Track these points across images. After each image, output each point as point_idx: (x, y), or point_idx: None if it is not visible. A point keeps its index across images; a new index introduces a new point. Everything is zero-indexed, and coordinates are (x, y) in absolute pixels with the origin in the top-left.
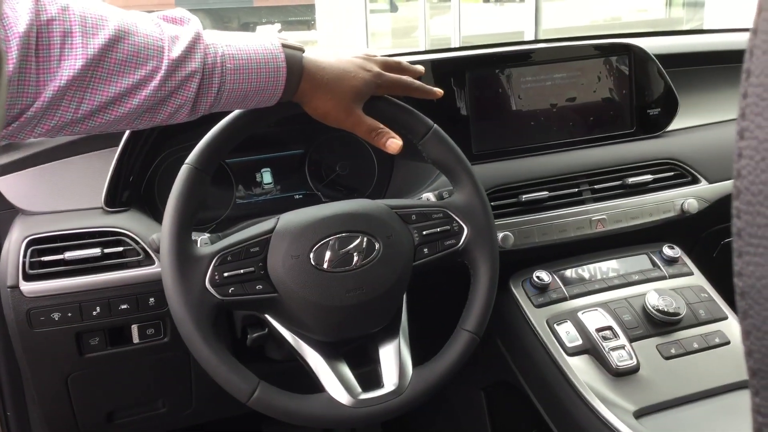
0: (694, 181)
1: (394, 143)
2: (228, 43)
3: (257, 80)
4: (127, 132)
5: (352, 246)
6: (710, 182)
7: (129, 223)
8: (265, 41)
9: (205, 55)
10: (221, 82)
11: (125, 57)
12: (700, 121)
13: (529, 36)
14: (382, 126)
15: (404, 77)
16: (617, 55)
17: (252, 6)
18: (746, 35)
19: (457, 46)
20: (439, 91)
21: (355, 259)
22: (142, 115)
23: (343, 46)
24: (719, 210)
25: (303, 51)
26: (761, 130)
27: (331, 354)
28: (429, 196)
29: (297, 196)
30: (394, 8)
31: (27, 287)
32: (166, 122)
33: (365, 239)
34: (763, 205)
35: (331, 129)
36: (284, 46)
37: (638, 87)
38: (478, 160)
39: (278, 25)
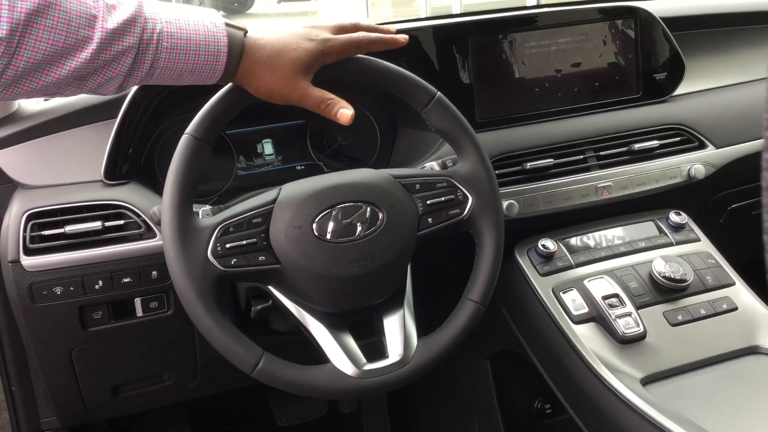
0: (701, 146)
1: (344, 113)
2: (168, 19)
3: (195, 61)
4: (125, 103)
5: (355, 216)
6: (717, 147)
7: (130, 195)
8: (207, 20)
9: (143, 30)
10: (154, 60)
11: (55, 24)
12: (707, 86)
13: (532, 2)
14: (331, 96)
15: (355, 35)
16: (622, 18)
17: None
18: None
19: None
20: (402, 37)
21: (359, 229)
22: (71, 83)
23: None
24: (726, 175)
25: (246, 31)
26: None
27: (335, 325)
28: (433, 165)
29: (299, 167)
30: None
31: (28, 261)
32: (95, 92)
33: (369, 209)
34: None
35: None
36: (227, 25)
37: (644, 51)
38: (482, 128)
39: None
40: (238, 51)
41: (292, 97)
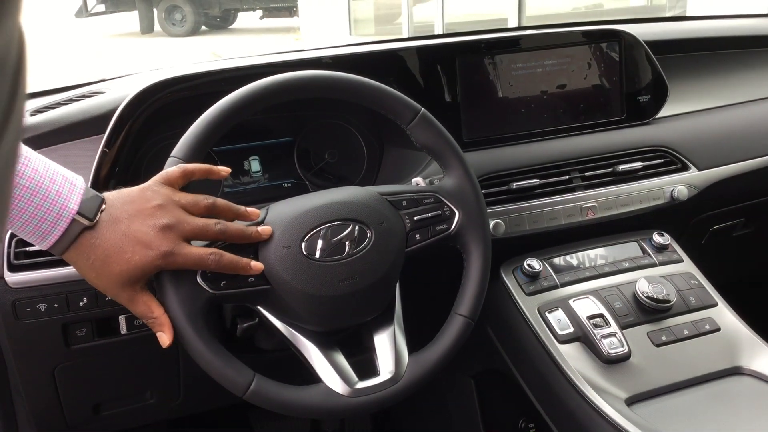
0: (684, 168)
1: (161, 337)
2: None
3: (20, 225)
4: (113, 120)
5: (343, 234)
6: (700, 169)
7: None
8: (64, 201)
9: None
10: None
11: None
12: (690, 108)
13: (513, 22)
14: (155, 315)
15: (204, 251)
16: (607, 41)
17: None
18: (733, 22)
19: (441, 32)
20: (265, 229)
21: (347, 247)
22: None
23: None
24: (708, 197)
25: (88, 225)
26: None
27: (325, 343)
28: (419, 181)
29: (286, 185)
30: None
31: (12, 278)
32: None
33: (357, 227)
34: None
35: (319, 117)
36: (80, 212)
37: (628, 74)
38: (468, 148)
39: (260, 12)
40: (69, 239)
41: (118, 300)
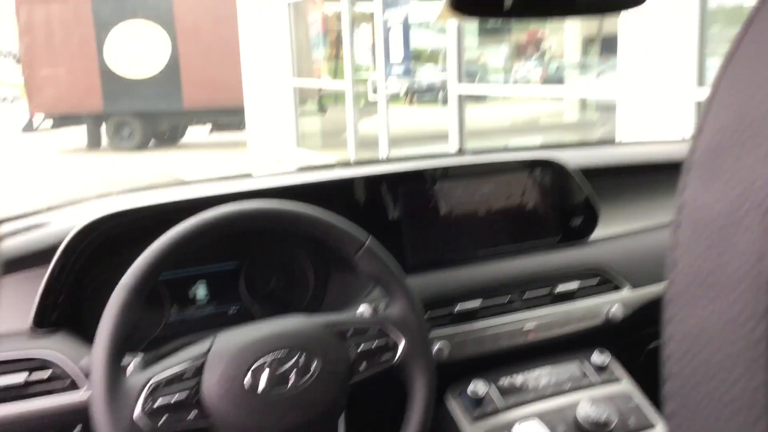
0: (619, 287)
1: None
2: None
3: None
4: (59, 251)
5: (288, 366)
6: (634, 287)
7: (58, 346)
8: None
9: None
10: None
11: None
12: (623, 229)
13: (454, 135)
14: None
15: None
16: (540, 167)
17: (182, 111)
18: (654, 148)
19: (385, 143)
20: None
21: (292, 379)
22: None
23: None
24: (643, 316)
25: None
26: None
27: None
28: (365, 310)
29: (231, 311)
30: (323, 110)
31: None
32: None
33: (302, 358)
34: None
35: (265, 242)
36: None
37: (561, 198)
38: (413, 272)
39: (209, 126)
40: None
41: None
